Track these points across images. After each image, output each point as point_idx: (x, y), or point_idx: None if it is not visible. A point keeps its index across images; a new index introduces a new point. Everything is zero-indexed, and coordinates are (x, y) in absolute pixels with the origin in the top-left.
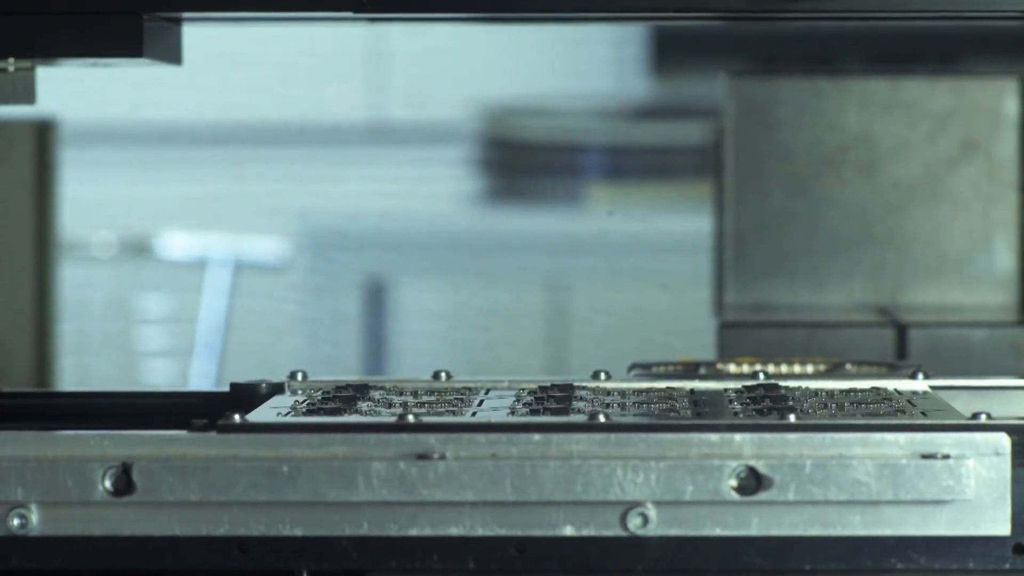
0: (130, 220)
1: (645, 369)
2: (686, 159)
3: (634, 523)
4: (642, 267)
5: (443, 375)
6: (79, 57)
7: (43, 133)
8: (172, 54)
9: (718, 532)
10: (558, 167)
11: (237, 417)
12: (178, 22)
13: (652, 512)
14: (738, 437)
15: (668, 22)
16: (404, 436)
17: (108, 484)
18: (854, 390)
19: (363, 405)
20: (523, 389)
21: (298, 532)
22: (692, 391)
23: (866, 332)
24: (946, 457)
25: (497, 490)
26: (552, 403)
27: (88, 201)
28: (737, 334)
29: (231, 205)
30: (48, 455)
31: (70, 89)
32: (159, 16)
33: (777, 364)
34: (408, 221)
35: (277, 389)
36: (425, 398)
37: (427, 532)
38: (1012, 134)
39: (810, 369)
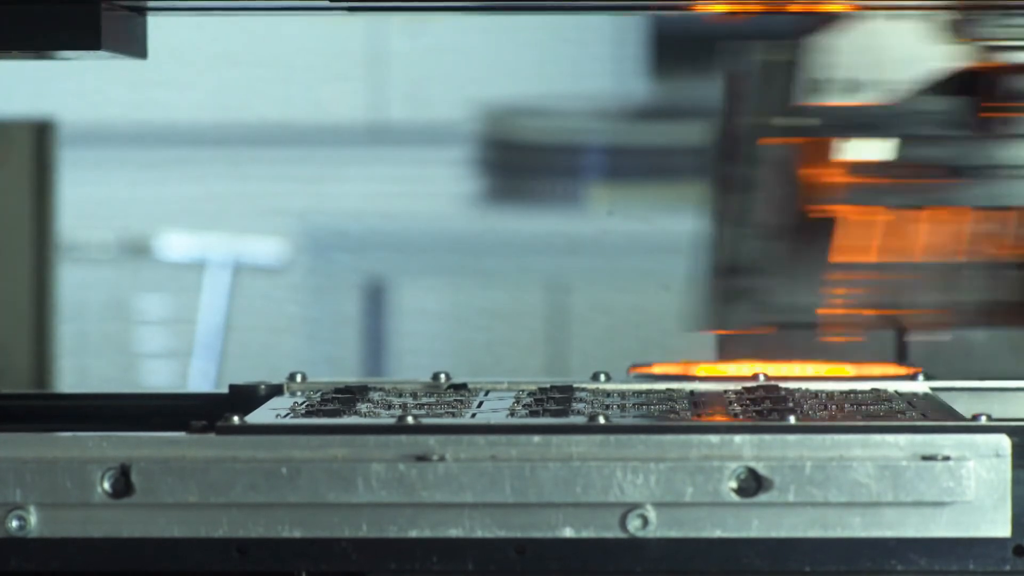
0: (129, 221)
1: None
2: (686, 159)
3: (634, 525)
4: (642, 267)
5: (443, 376)
6: (31, 50)
7: (42, 133)
8: (136, 47)
9: (718, 534)
10: (558, 167)
11: (236, 419)
12: (142, 12)
13: (652, 514)
14: (738, 438)
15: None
16: (403, 438)
17: (107, 486)
18: (854, 391)
19: (362, 407)
20: (523, 390)
21: (297, 534)
22: (692, 392)
23: (866, 333)
24: (946, 459)
25: (497, 492)
26: (552, 404)
27: (87, 201)
28: (736, 335)
29: (231, 205)
30: (47, 456)
31: (70, 89)
32: (119, 4)
33: (777, 365)
34: (408, 221)
35: (276, 390)
36: (424, 399)
37: (427, 534)
38: None
39: (810, 370)
